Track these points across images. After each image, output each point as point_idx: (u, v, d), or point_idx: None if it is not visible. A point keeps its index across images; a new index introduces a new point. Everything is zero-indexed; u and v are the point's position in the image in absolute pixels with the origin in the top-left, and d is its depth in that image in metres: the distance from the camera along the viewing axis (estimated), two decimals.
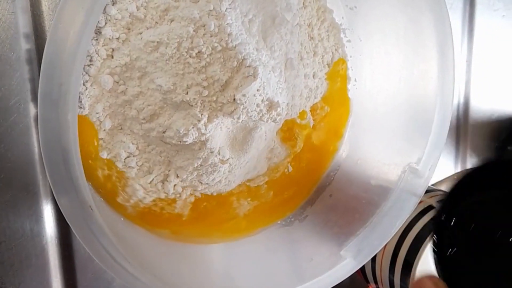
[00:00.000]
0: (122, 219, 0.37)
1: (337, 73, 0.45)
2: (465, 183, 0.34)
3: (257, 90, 0.36)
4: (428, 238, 0.42)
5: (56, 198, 0.28)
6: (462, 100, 0.56)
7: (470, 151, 0.57)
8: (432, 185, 0.52)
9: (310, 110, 0.44)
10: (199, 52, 0.35)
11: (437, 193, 0.48)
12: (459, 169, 0.58)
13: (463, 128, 0.57)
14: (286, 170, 0.45)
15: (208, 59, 0.35)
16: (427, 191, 0.44)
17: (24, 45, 0.37)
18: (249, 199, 0.43)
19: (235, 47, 0.35)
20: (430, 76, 0.38)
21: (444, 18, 0.37)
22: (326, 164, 0.46)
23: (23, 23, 0.36)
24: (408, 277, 0.43)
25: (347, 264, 0.38)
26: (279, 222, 0.45)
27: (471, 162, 0.58)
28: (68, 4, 0.27)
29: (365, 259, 0.39)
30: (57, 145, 0.28)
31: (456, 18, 0.54)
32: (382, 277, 0.46)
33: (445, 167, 0.57)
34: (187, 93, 0.35)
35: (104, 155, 0.36)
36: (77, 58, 0.27)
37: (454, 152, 0.57)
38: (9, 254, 0.38)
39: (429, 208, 0.45)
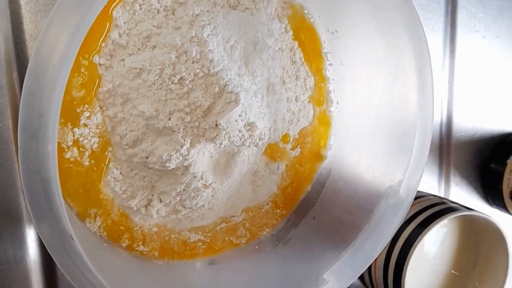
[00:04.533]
0: (105, 244, 0.37)
1: (318, 96, 0.45)
2: None
3: (239, 115, 0.37)
4: (415, 243, 0.45)
5: (36, 227, 0.28)
6: (444, 120, 0.57)
7: (453, 170, 0.58)
8: None
9: (299, 135, 0.45)
10: (181, 78, 0.35)
11: (425, 198, 0.49)
12: (442, 188, 0.58)
13: (446, 147, 0.57)
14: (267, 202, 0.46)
15: (190, 85, 0.35)
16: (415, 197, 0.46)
17: (6, 73, 0.37)
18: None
19: (217, 73, 0.36)
20: (410, 101, 0.39)
21: (422, 43, 0.37)
22: (307, 186, 0.47)
23: (5, 51, 0.36)
24: (400, 280, 0.45)
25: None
26: (261, 244, 0.45)
27: (454, 181, 0.58)
28: (47, 36, 0.27)
29: (348, 282, 0.39)
30: (37, 175, 0.28)
31: (437, 39, 0.55)
32: (377, 281, 0.47)
33: (428, 186, 0.57)
34: (169, 119, 0.36)
35: None
36: (56, 89, 0.27)
37: (437, 171, 0.58)
38: None
39: (416, 214, 0.47)
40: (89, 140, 0.35)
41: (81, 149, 0.35)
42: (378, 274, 0.48)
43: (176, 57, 0.35)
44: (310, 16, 0.44)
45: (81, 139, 0.35)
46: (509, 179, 0.57)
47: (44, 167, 0.28)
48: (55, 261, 0.29)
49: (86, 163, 0.36)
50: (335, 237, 0.42)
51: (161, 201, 0.39)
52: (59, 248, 0.29)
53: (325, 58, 0.45)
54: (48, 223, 0.28)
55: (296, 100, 0.43)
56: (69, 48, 0.27)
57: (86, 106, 0.35)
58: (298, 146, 0.45)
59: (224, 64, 0.36)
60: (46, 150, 0.27)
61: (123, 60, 0.35)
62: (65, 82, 0.27)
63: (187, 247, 0.42)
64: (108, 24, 0.35)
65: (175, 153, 0.36)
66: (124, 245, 0.39)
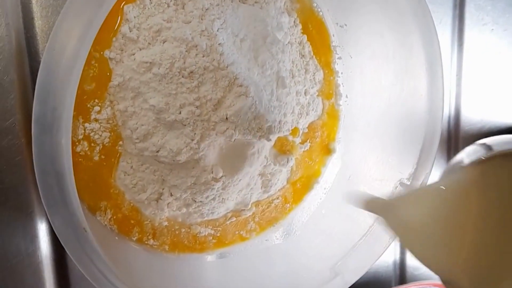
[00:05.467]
0: (116, 238, 0.38)
1: (327, 89, 0.45)
2: None
3: (249, 108, 0.37)
4: None
5: (50, 220, 0.29)
6: (453, 113, 0.57)
7: None
8: None
9: (308, 129, 0.45)
10: (191, 72, 0.35)
11: None
12: None
13: (454, 140, 0.57)
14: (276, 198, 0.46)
15: (200, 79, 0.36)
16: None
17: (17, 67, 0.37)
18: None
19: (227, 67, 0.36)
20: (420, 94, 0.39)
21: (432, 38, 0.37)
22: (316, 180, 0.47)
23: (17, 45, 0.37)
24: None
25: (338, 281, 0.39)
26: (270, 238, 0.45)
27: None
28: (61, 30, 0.27)
29: (358, 275, 0.39)
30: (51, 169, 0.28)
31: (445, 33, 0.55)
32: None
33: (436, 178, 0.57)
34: (180, 113, 0.36)
35: None
36: (70, 83, 0.27)
37: (445, 164, 0.57)
38: (4, 275, 0.39)
39: None
40: (100, 135, 0.36)
41: (92, 144, 0.36)
42: None
43: (186, 51, 0.35)
44: (319, 10, 0.44)
45: (91, 134, 0.35)
46: None
47: (58, 160, 0.28)
48: (69, 253, 0.29)
49: (97, 157, 0.36)
50: (344, 231, 0.42)
51: (171, 195, 0.39)
52: (72, 241, 0.29)
53: (334, 52, 0.45)
54: (61, 216, 0.29)
55: (305, 93, 0.43)
56: (82, 42, 0.27)
57: (96, 100, 0.35)
58: (308, 140, 0.45)
59: (234, 57, 0.36)
60: (59, 144, 0.28)
61: (134, 54, 0.35)
62: (78, 76, 0.27)
63: (197, 241, 0.42)
64: (119, 18, 0.35)
65: (186, 146, 0.36)
66: (134, 238, 0.39)
